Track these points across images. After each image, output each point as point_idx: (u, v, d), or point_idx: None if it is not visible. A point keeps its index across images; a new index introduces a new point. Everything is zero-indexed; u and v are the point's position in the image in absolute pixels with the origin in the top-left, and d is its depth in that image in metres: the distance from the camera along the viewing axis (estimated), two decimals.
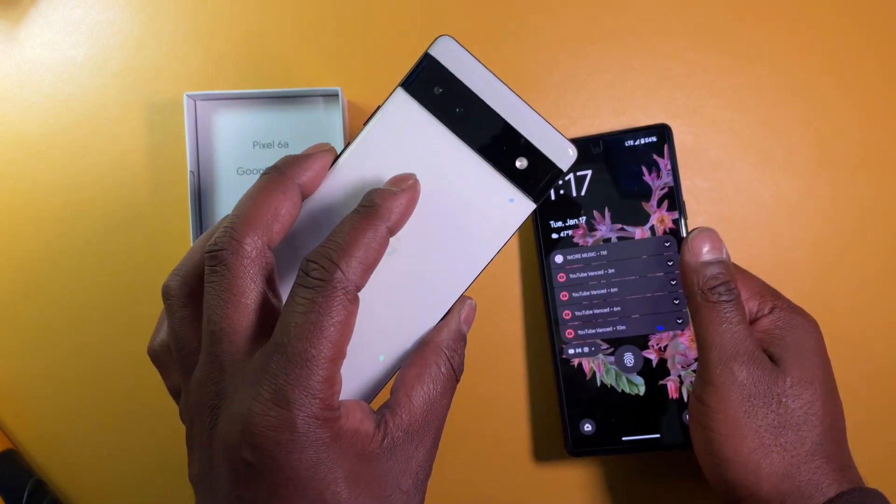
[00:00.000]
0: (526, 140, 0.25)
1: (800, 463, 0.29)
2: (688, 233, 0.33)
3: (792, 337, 0.31)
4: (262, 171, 0.26)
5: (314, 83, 0.40)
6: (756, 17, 0.40)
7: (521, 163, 0.25)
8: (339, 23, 0.40)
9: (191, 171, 0.37)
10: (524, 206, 0.26)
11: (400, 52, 0.40)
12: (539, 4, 0.40)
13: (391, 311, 0.26)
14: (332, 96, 0.39)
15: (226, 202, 0.38)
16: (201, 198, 0.38)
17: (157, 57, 0.40)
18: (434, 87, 0.25)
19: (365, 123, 0.26)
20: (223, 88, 0.40)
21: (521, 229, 0.40)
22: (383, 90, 0.40)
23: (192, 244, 0.37)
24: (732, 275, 0.31)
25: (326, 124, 0.39)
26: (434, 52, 0.25)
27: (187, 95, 0.37)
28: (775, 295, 0.33)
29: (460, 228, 0.26)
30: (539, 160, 0.25)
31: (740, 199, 0.40)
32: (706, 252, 0.31)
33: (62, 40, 0.40)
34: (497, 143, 0.25)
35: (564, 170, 0.26)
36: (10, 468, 0.39)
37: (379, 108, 0.26)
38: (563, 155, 0.25)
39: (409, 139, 0.26)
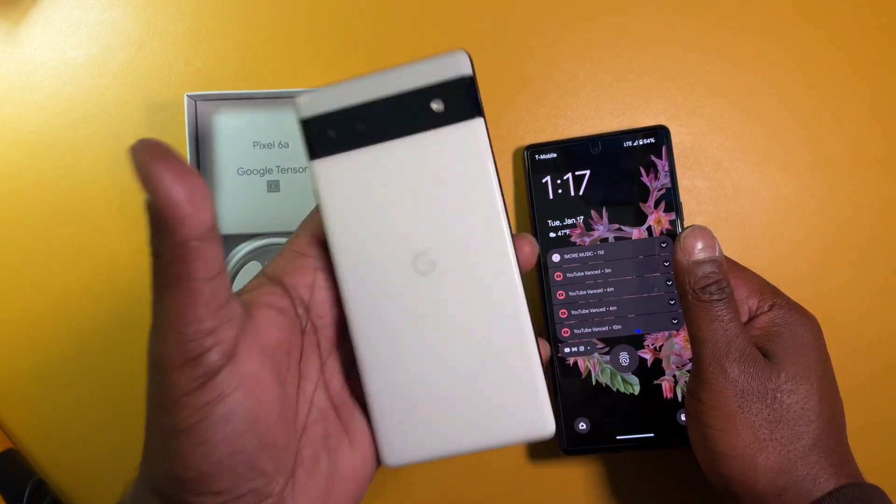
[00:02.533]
0: (421, 88, 0.25)
1: (797, 458, 0.30)
2: (681, 230, 0.34)
3: (789, 334, 0.32)
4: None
5: (314, 83, 0.41)
6: (755, 18, 0.41)
7: (436, 105, 0.25)
8: (340, 23, 0.41)
9: None
10: (476, 128, 0.25)
11: (400, 53, 0.41)
12: (539, 5, 0.41)
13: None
14: None
15: (226, 202, 0.39)
16: None
17: (157, 57, 0.41)
18: (328, 133, 0.25)
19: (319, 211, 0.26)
20: (223, 89, 0.41)
21: (520, 227, 0.41)
22: None
23: None
24: (725, 273, 0.32)
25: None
26: (303, 115, 0.25)
27: (188, 96, 0.38)
28: (775, 292, 0.34)
29: (461, 207, 0.25)
30: (444, 90, 0.25)
31: (739, 199, 0.41)
32: (699, 250, 0.32)
33: (63, 41, 0.41)
34: (411, 115, 0.25)
35: (470, 72, 0.25)
36: (10, 468, 0.40)
37: (317, 194, 0.26)
38: (457, 64, 0.25)
39: (363, 187, 0.26)
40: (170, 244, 0.20)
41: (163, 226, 0.20)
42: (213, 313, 0.21)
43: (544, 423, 0.25)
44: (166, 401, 0.21)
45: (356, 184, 0.26)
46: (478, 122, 0.25)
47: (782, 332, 0.32)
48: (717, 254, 0.32)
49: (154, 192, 0.20)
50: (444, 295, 0.25)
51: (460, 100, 0.25)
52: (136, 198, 0.41)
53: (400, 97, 0.25)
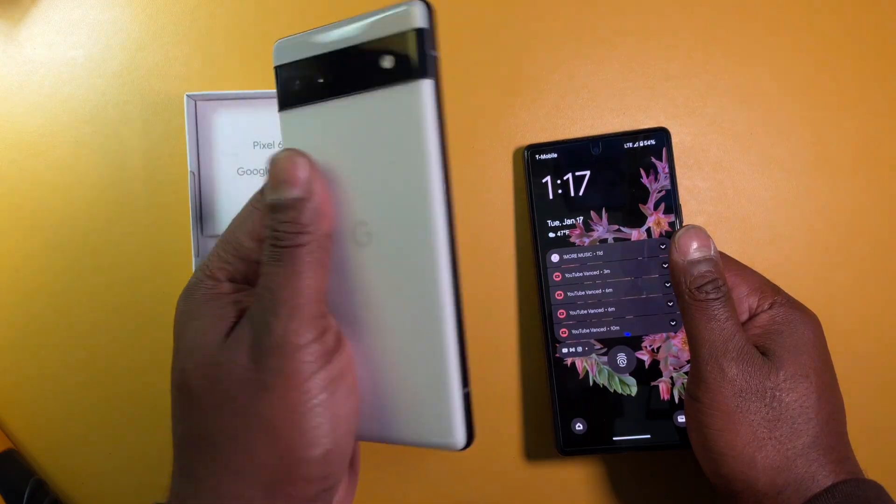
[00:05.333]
0: (374, 41, 0.23)
1: (796, 456, 0.30)
2: (675, 231, 0.34)
3: (789, 332, 0.32)
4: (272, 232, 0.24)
5: None
6: (755, 17, 0.42)
7: (386, 62, 0.23)
8: None
9: (191, 172, 0.39)
10: (419, 91, 0.23)
11: None
12: (539, 5, 0.42)
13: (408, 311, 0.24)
14: None
15: (226, 202, 0.40)
16: (201, 198, 0.40)
17: (157, 57, 0.42)
18: (294, 85, 0.25)
19: None
20: (223, 89, 0.41)
21: (519, 227, 0.41)
22: None
23: (192, 245, 0.38)
24: (721, 272, 0.33)
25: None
26: (276, 62, 0.26)
27: (188, 96, 0.39)
28: (775, 290, 0.34)
29: (398, 176, 0.24)
30: (395, 44, 0.23)
31: (740, 199, 0.42)
32: (694, 250, 0.33)
33: (62, 40, 0.42)
34: (363, 70, 0.23)
35: (420, 25, 0.23)
36: (10, 468, 0.40)
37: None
38: (409, 16, 0.23)
39: (316, 147, 0.25)
40: (315, 234, 0.24)
41: (310, 218, 0.24)
42: (328, 300, 0.25)
43: (452, 435, 0.23)
44: (295, 379, 0.23)
45: (311, 142, 0.25)
46: (423, 84, 0.22)
47: (782, 330, 0.32)
48: (712, 252, 0.33)
49: (309, 189, 0.24)
50: (376, 271, 0.24)
51: (409, 57, 0.23)
52: (137, 198, 0.42)
53: (356, 50, 0.24)
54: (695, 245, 0.33)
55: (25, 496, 0.40)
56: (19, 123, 0.42)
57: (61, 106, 0.42)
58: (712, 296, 0.32)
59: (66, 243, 0.42)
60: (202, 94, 0.39)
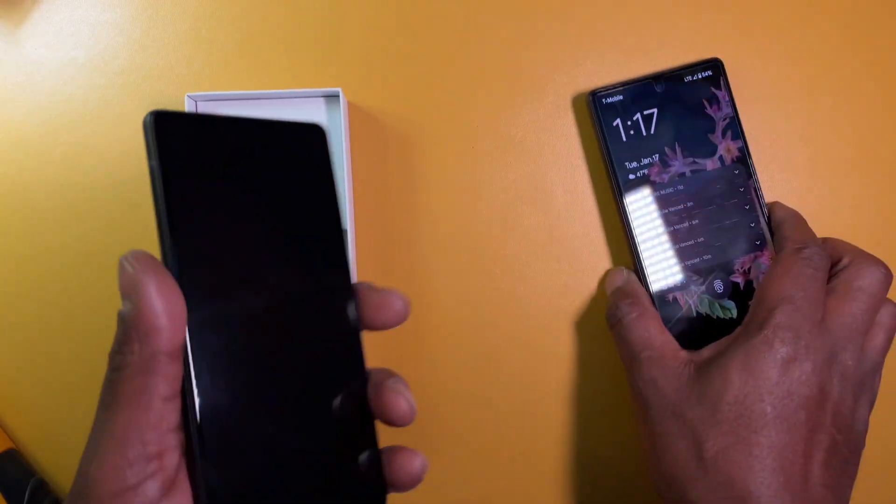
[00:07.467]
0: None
1: None
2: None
3: None
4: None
5: (314, 83, 0.42)
6: (755, 17, 0.42)
7: None
8: (340, 23, 0.42)
9: None
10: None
11: (400, 52, 0.42)
12: (547, 4, 0.42)
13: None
14: (332, 96, 0.41)
15: None
16: None
17: (158, 57, 0.42)
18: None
19: None
20: (225, 89, 0.42)
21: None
22: (384, 90, 0.42)
23: None
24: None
25: (327, 125, 0.41)
26: None
27: (189, 96, 0.39)
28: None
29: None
30: None
31: None
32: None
33: (63, 41, 0.42)
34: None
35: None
36: (11, 468, 0.40)
37: None
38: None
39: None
40: (139, 355, 0.21)
41: (135, 335, 0.21)
42: (160, 437, 0.21)
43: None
44: None
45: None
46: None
47: None
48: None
49: (137, 299, 0.21)
50: None
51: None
52: (137, 199, 0.42)
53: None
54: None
55: (26, 496, 0.40)
56: (20, 123, 0.42)
57: (62, 106, 0.42)
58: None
59: (67, 243, 0.42)
60: (203, 95, 0.39)
